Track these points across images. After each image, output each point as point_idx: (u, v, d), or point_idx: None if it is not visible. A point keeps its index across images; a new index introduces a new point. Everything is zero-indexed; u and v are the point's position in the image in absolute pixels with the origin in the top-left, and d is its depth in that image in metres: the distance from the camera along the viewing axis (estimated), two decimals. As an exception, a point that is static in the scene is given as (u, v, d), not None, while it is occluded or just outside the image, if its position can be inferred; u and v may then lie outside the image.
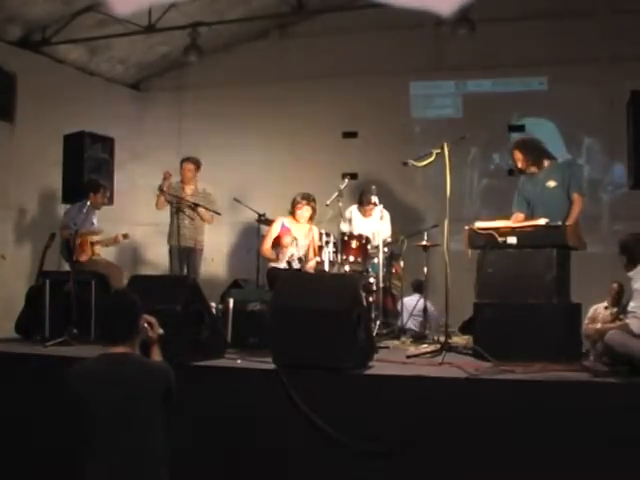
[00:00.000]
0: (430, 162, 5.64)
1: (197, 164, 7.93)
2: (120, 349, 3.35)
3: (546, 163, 5.96)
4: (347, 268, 6.64)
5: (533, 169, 5.95)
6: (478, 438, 4.09)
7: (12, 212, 8.46)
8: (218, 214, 7.80)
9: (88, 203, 6.93)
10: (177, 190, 7.77)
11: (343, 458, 4.28)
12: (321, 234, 6.80)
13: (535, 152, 5.97)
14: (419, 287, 7.76)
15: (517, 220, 5.91)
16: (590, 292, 6.69)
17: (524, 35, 8.92)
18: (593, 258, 6.91)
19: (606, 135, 8.76)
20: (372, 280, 6.82)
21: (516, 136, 8.13)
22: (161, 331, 3.62)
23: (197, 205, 7.59)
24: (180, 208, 7.62)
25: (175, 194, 7.65)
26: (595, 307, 7.62)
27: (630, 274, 4.65)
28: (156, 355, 3.62)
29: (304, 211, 7.10)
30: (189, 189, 7.83)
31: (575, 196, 5.83)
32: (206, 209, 7.61)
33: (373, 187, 7.56)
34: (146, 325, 3.55)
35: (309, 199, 7.13)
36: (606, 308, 7.34)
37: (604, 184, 8.84)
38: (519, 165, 6.00)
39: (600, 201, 8.84)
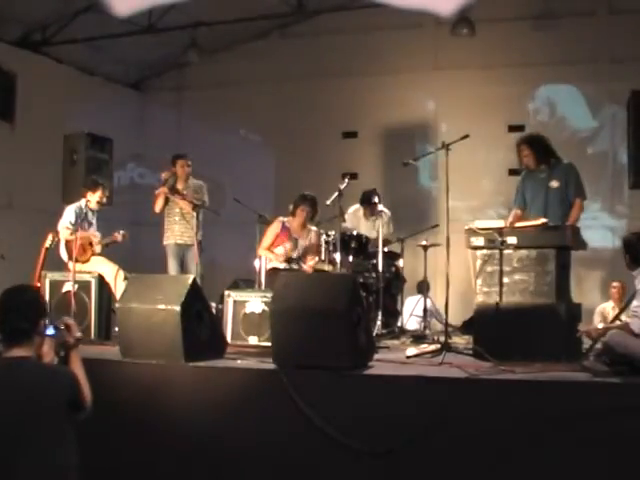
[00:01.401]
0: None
1: (189, 160, 7.90)
2: (17, 352, 2.99)
3: (551, 162, 5.94)
4: (346, 268, 6.64)
5: (538, 166, 5.93)
6: (478, 438, 4.09)
7: (12, 212, 8.46)
8: (218, 214, 7.78)
9: (88, 203, 6.93)
10: (172, 189, 7.75)
11: (343, 458, 4.28)
12: (321, 234, 6.80)
13: (542, 150, 5.95)
14: (421, 288, 7.77)
15: (515, 217, 5.91)
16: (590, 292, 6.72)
17: (524, 35, 8.92)
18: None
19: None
20: (372, 280, 6.82)
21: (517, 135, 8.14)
22: (79, 334, 3.25)
23: (194, 205, 7.56)
24: (173, 206, 7.63)
25: (170, 193, 7.63)
26: (603, 307, 7.59)
27: (634, 273, 4.65)
28: (75, 362, 3.20)
29: (305, 212, 7.09)
30: (181, 185, 7.81)
31: (577, 201, 5.83)
32: (197, 206, 7.56)
33: (374, 187, 7.57)
34: (62, 327, 3.17)
35: (311, 200, 7.12)
36: (613, 308, 7.30)
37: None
38: (525, 161, 5.97)
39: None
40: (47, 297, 6.53)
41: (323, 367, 4.44)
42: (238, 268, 9.27)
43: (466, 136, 5.91)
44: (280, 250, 6.84)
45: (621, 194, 8.80)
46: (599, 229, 8.66)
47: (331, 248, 6.62)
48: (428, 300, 7.31)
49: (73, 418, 3.09)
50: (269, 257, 7.04)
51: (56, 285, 6.56)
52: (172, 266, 7.71)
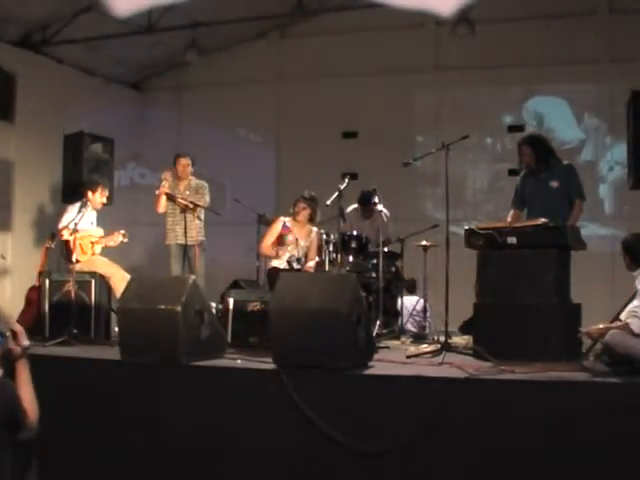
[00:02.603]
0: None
1: (193, 160, 7.90)
2: None
3: (552, 162, 5.98)
4: (347, 268, 6.64)
5: (539, 166, 5.96)
6: (478, 438, 4.09)
7: (12, 212, 8.46)
8: (218, 214, 7.78)
9: (87, 203, 6.93)
10: (173, 188, 7.76)
11: (343, 458, 4.28)
12: (321, 234, 6.81)
13: (544, 150, 5.99)
14: (412, 287, 7.79)
15: (514, 217, 5.92)
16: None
17: (524, 35, 8.93)
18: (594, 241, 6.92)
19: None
20: (372, 280, 6.82)
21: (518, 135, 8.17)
22: (27, 343, 2.89)
23: (194, 204, 7.56)
24: (174, 207, 7.63)
25: (171, 193, 7.63)
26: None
27: (634, 273, 4.66)
28: (21, 374, 2.84)
29: (305, 212, 7.12)
30: (182, 185, 7.81)
31: (577, 201, 5.87)
32: (196, 206, 7.56)
33: (373, 187, 7.56)
34: (8, 334, 2.84)
35: (310, 200, 7.14)
36: None
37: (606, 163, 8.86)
38: (526, 161, 6.01)
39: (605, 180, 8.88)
40: (47, 297, 6.54)
41: (323, 367, 4.44)
42: (238, 268, 9.27)
43: (466, 136, 5.92)
44: (289, 238, 6.89)
45: (602, 203, 8.83)
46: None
47: (331, 248, 6.62)
48: (425, 300, 7.34)
49: (11, 438, 2.73)
50: (270, 255, 7.06)
51: (56, 285, 6.56)
52: (175, 266, 7.72)
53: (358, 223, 7.56)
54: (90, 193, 7.01)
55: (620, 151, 8.72)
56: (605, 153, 8.80)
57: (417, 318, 7.44)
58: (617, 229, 8.35)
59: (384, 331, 6.72)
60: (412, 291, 7.82)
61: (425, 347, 5.75)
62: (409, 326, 7.41)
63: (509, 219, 5.87)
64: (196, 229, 7.63)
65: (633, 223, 8.14)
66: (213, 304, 6.15)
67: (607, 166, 8.78)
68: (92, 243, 6.96)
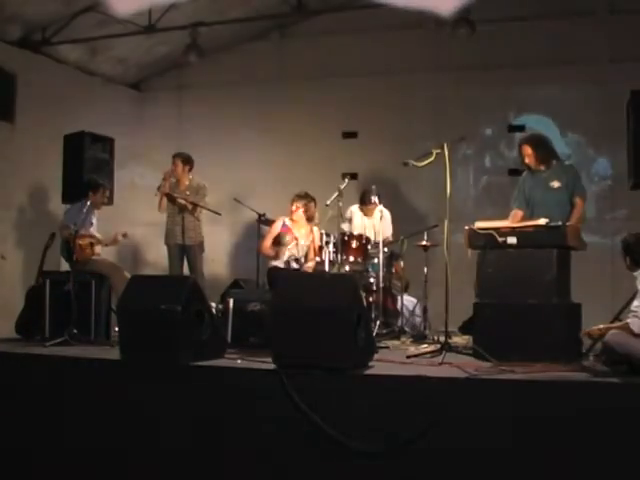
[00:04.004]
0: (430, 162, 5.64)
1: (186, 159, 7.91)
2: None
3: (553, 163, 5.99)
4: (347, 268, 6.65)
5: (539, 167, 5.98)
6: (478, 438, 4.09)
7: (12, 212, 8.46)
8: (218, 214, 7.80)
9: (88, 203, 6.93)
10: (173, 189, 7.78)
11: (343, 458, 4.28)
12: (321, 234, 6.82)
13: (545, 150, 6.01)
14: (406, 288, 7.80)
15: (516, 217, 5.93)
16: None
17: (524, 35, 8.92)
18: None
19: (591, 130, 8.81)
20: (372, 280, 6.83)
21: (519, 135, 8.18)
22: None
23: (194, 205, 7.57)
24: (174, 207, 7.65)
25: (170, 193, 7.65)
26: None
27: (635, 274, 4.66)
28: None
29: (300, 210, 7.13)
30: (183, 185, 7.84)
31: (578, 200, 5.88)
32: (196, 206, 7.57)
33: (373, 187, 7.57)
34: None
35: (304, 198, 7.15)
36: None
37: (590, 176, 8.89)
38: (527, 161, 6.02)
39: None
40: (47, 297, 6.54)
41: (323, 367, 4.44)
42: (238, 268, 9.27)
43: (463, 138, 5.94)
44: (288, 238, 6.91)
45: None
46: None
47: (331, 248, 6.63)
48: (412, 299, 7.35)
49: None
50: (269, 256, 7.07)
51: (56, 285, 6.56)
52: (174, 266, 7.74)
53: (360, 223, 7.57)
54: (92, 193, 7.01)
55: (601, 164, 8.79)
56: (587, 166, 8.82)
57: (417, 318, 7.44)
58: (599, 236, 8.39)
59: (384, 331, 6.73)
60: (405, 290, 7.81)
61: (425, 347, 5.76)
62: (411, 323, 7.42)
63: (511, 220, 5.88)
64: (195, 229, 7.65)
65: (615, 230, 8.22)
66: (213, 304, 6.16)
67: (589, 178, 8.79)
68: (92, 243, 6.97)
